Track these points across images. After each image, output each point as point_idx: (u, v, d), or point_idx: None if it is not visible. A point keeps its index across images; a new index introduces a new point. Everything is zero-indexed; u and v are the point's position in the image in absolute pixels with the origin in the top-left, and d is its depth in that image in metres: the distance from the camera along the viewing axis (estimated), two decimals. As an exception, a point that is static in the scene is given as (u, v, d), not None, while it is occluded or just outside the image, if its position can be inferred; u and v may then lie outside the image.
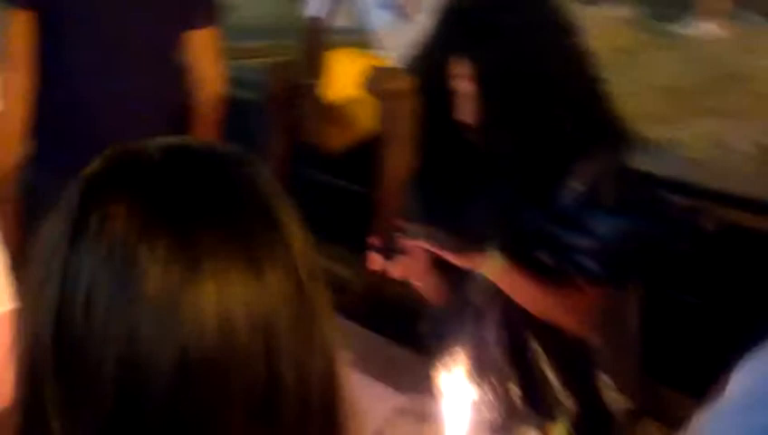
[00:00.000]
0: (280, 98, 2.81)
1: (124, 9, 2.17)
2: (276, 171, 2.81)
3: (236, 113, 2.96)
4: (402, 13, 2.79)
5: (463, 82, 1.57)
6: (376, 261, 1.58)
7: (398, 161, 2.44)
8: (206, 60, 2.34)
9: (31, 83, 2.18)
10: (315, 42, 2.89)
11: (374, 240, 1.59)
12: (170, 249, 0.58)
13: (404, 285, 1.67)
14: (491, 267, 1.52)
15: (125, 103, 2.19)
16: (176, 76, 2.30)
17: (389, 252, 1.56)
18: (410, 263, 1.58)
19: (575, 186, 1.53)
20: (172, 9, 2.23)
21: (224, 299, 0.58)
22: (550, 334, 1.56)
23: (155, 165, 0.63)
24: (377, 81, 2.61)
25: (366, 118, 2.72)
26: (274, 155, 2.80)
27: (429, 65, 1.67)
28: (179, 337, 0.57)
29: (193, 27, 2.28)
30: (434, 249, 1.54)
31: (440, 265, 1.62)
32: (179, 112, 2.31)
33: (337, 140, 2.85)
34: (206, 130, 2.33)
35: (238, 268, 0.59)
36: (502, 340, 1.57)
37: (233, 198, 0.62)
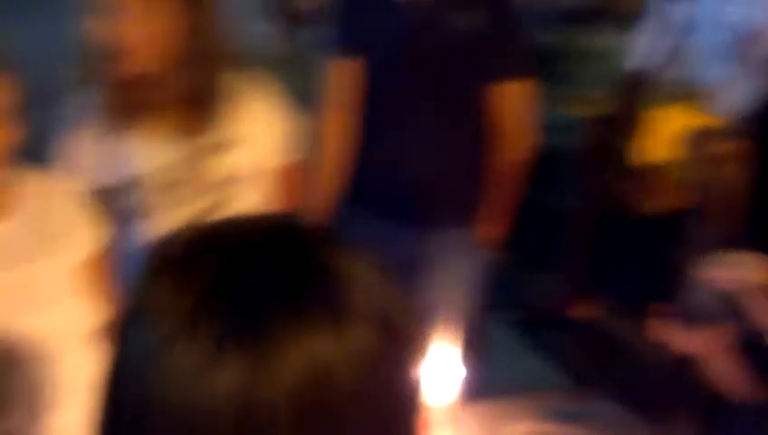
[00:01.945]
0: (590, 154, 2.70)
1: (436, 58, 2.19)
2: (581, 230, 2.70)
3: (556, 161, 2.91)
4: (743, 64, 2.53)
5: None
6: (659, 331, 1.41)
7: (717, 229, 2.22)
8: (515, 113, 2.29)
9: (350, 129, 2.29)
10: (636, 96, 2.74)
11: (661, 307, 1.42)
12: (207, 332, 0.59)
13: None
14: None
15: (427, 149, 2.22)
16: (481, 127, 2.28)
17: (681, 321, 1.37)
18: (707, 338, 1.38)
19: None
20: (485, 59, 2.22)
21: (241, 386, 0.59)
22: None
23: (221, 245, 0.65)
24: (700, 143, 2.40)
25: (683, 182, 2.52)
26: (580, 212, 2.69)
27: None
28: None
29: (504, 79, 2.25)
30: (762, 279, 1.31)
31: (748, 350, 1.41)
32: (481, 164, 2.30)
33: (649, 203, 2.66)
34: (505, 186, 2.29)
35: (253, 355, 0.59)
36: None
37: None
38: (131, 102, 1.77)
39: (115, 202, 1.82)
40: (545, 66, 4.52)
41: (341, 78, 2.28)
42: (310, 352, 0.60)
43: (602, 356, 2.53)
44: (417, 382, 0.67)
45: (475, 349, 2.29)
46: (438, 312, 2.07)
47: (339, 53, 2.29)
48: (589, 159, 2.73)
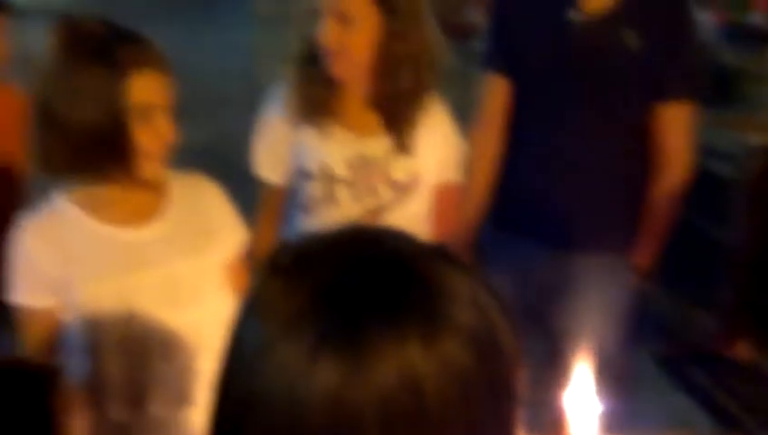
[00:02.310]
0: (759, 183, 2.53)
1: (600, 76, 2.13)
2: (744, 263, 2.54)
3: (724, 189, 2.76)
4: None
5: None
6: None
7: None
8: (676, 136, 2.18)
9: (499, 145, 2.27)
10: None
11: None
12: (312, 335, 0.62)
13: None
14: None
15: (579, 170, 2.17)
16: (639, 149, 2.19)
17: None
18: None
19: None
20: (649, 78, 2.12)
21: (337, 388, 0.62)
22: None
23: (334, 254, 0.68)
24: None
25: None
26: (745, 245, 2.53)
27: None
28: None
29: (667, 100, 2.15)
30: None
31: None
32: (636, 188, 2.21)
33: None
34: (660, 211, 2.19)
35: (345, 358, 0.62)
36: None
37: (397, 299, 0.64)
38: (323, 101, 1.90)
39: (299, 192, 1.97)
40: (725, 88, 4.29)
41: (492, 95, 2.27)
42: (402, 361, 0.62)
43: (756, 401, 2.38)
44: (514, 406, 0.68)
45: (617, 382, 2.20)
46: (578, 340, 2.02)
47: (490, 68, 2.28)
48: (758, 188, 2.56)
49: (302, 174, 1.95)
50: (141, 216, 1.60)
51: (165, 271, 1.58)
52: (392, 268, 0.66)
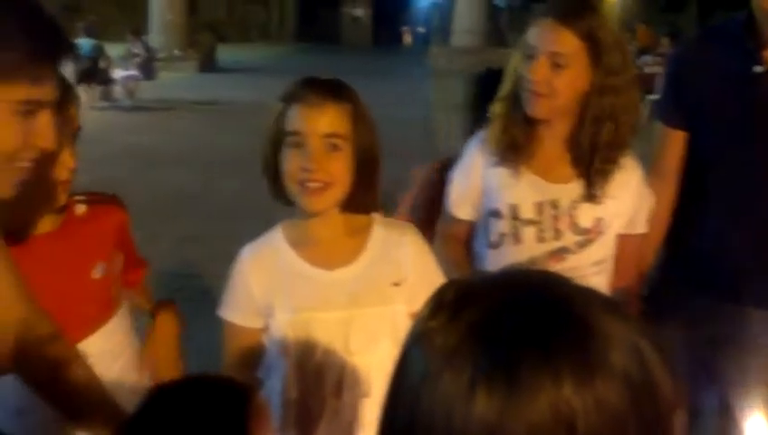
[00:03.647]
0: None
1: None
2: None
3: None
4: None
5: None
6: None
7: None
8: None
9: (675, 198, 2.27)
10: None
11: None
12: (472, 368, 0.67)
13: None
14: None
15: (762, 224, 2.11)
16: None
17: None
18: None
19: None
20: None
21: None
22: None
23: (487, 296, 0.72)
24: None
25: None
26: None
27: None
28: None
29: None
30: None
31: None
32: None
33: None
34: None
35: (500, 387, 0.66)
36: None
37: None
38: (519, 142, 1.95)
39: (487, 229, 2.02)
40: None
41: (667, 147, 2.27)
42: (556, 397, 0.66)
43: None
44: None
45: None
46: (751, 396, 1.95)
47: (666, 121, 2.28)
48: None
49: (491, 212, 2.00)
50: (338, 257, 1.67)
51: (343, 313, 1.63)
52: (550, 310, 0.70)
